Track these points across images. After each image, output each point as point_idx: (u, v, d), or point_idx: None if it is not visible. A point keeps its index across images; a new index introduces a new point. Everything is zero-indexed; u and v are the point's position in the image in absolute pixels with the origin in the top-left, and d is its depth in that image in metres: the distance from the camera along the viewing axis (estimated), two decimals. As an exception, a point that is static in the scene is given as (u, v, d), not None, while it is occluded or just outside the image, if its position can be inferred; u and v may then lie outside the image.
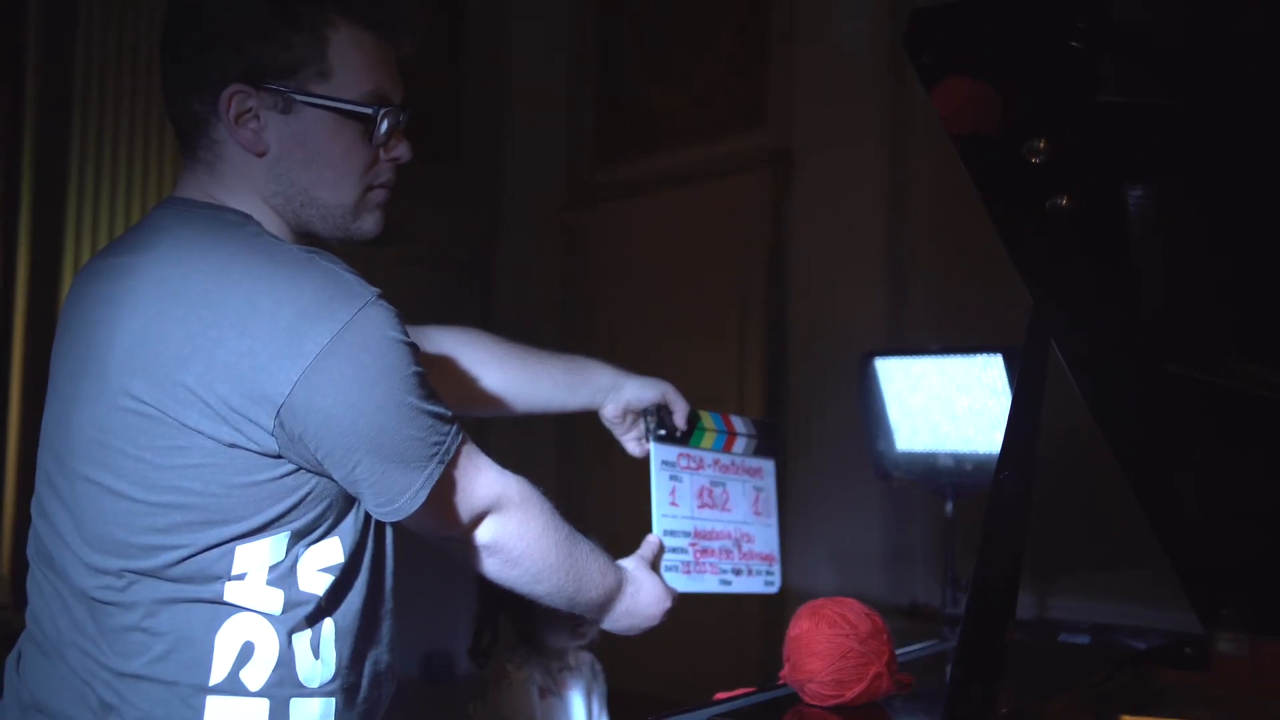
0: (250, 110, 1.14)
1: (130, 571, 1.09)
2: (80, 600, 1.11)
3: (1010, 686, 1.00)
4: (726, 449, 1.65)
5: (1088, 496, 2.44)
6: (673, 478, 1.56)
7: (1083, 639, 1.92)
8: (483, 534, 1.24)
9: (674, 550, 1.52)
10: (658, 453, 1.57)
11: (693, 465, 1.60)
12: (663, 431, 1.57)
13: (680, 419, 1.59)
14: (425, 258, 4.35)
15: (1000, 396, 2.30)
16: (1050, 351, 1.28)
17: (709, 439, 1.62)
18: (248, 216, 1.16)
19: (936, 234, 3.48)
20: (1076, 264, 1.29)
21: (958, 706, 0.97)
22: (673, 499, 1.55)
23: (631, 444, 1.62)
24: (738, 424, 1.67)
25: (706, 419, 1.63)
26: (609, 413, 1.59)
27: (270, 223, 1.17)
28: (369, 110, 1.18)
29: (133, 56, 3.51)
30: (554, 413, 1.60)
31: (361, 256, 1.18)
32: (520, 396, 1.55)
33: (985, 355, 2.33)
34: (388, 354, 1.08)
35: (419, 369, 1.12)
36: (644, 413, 1.58)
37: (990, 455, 2.34)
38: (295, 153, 1.17)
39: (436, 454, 1.14)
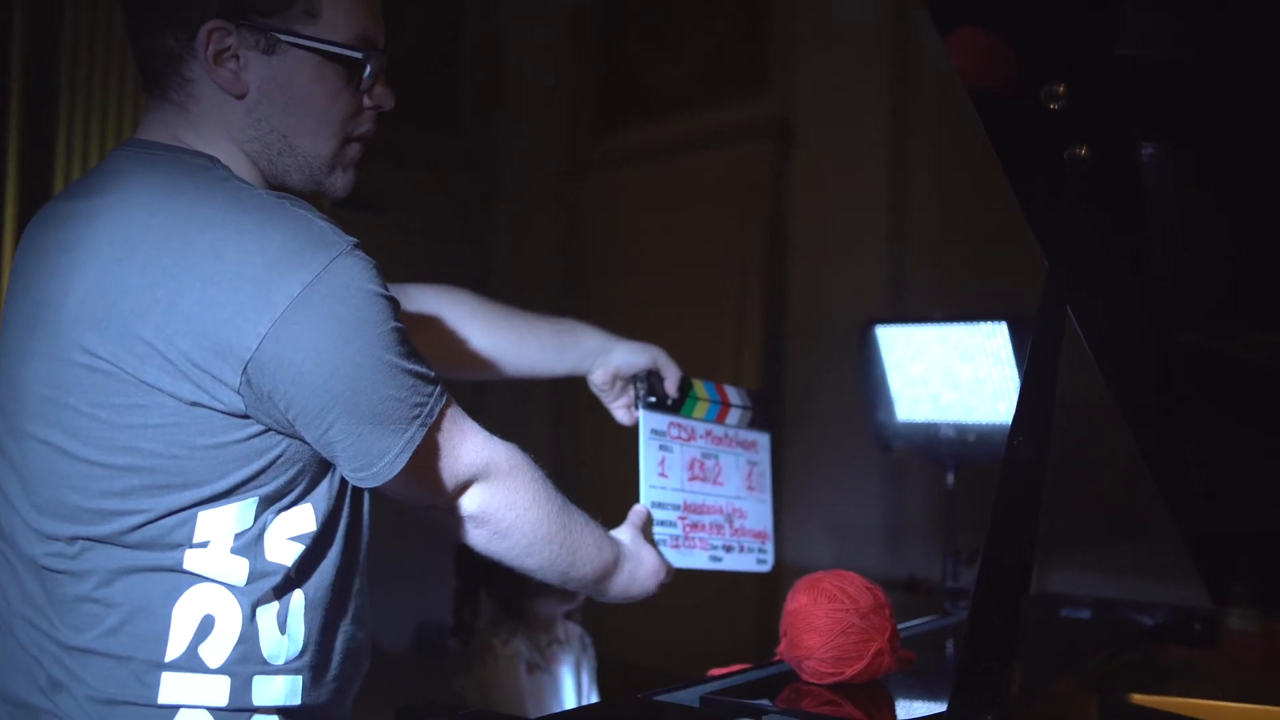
0: (229, 48, 1.07)
1: (83, 538, 1.03)
2: (29, 569, 1.05)
3: (1021, 666, 0.94)
4: (720, 420, 1.58)
5: (1090, 469, 2.40)
6: (662, 447, 1.50)
7: (1084, 614, 1.88)
8: (469, 503, 1.18)
9: (662, 523, 1.47)
10: (647, 421, 1.50)
11: (684, 436, 1.54)
12: (653, 399, 1.51)
13: (671, 386, 1.53)
14: (421, 227, 4.30)
15: (1005, 365, 2.26)
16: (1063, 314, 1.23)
17: (701, 409, 1.56)
18: (214, 159, 1.09)
19: (938, 203, 3.44)
20: (1093, 221, 1.24)
21: (967, 687, 0.92)
22: (662, 469, 1.49)
23: (620, 412, 1.55)
24: (732, 395, 1.60)
25: (699, 388, 1.56)
26: (597, 378, 1.53)
27: (240, 168, 1.10)
28: (358, 55, 1.11)
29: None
30: (540, 377, 1.55)
31: (356, 225, 1.11)
32: (505, 359, 1.49)
33: (990, 323, 2.28)
34: (364, 307, 1.02)
35: (399, 324, 1.05)
36: (634, 379, 1.52)
37: (994, 425, 2.30)
38: (276, 96, 1.10)
39: (418, 416, 1.08)
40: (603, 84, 4.65)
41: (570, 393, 1.62)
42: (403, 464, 1.07)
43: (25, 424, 1.04)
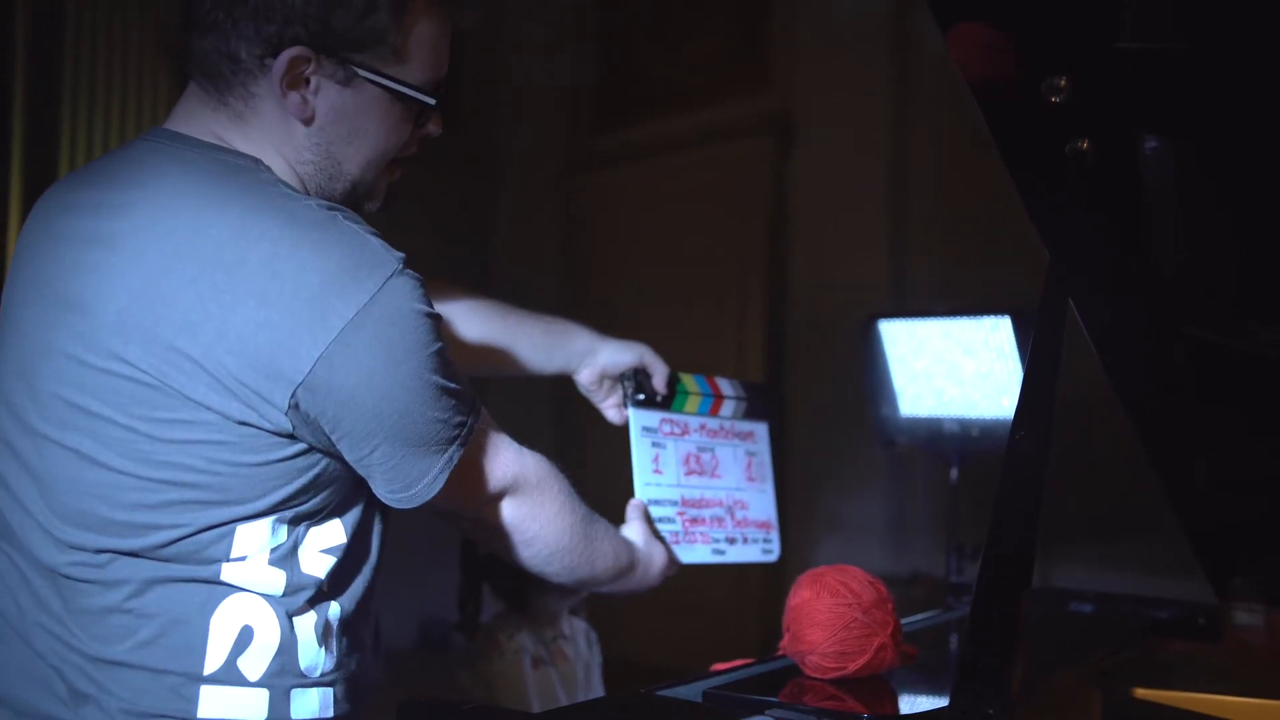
0: (305, 75, 1.04)
1: (110, 551, 1.00)
2: (45, 576, 1.02)
3: (1023, 660, 0.94)
4: (713, 413, 1.58)
5: (1094, 463, 2.39)
6: (655, 444, 1.50)
7: (1087, 608, 1.88)
8: (495, 514, 1.18)
9: (660, 520, 1.47)
10: (637, 419, 1.50)
11: (677, 431, 1.53)
12: (641, 396, 1.51)
13: (660, 382, 1.52)
14: (423, 225, 4.29)
15: (1008, 360, 2.25)
16: (1065, 308, 1.22)
17: (693, 403, 1.56)
18: (257, 160, 1.06)
19: (940, 197, 3.43)
20: (1094, 215, 1.23)
21: (968, 681, 0.92)
22: (656, 466, 1.49)
23: (611, 411, 1.55)
24: (724, 386, 1.60)
25: (689, 382, 1.56)
26: (584, 379, 1.53)
27: (284, 176, 1.07)
28: (431, 101, 1.09)
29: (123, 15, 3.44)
30: (528, 375, 1.55)
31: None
32: (495, 357, 1.49)
33: (992, 317, 2.27)
34: (415, 329, 1.00)
35: (441, 344, 1.04)
36: (621, 378, 1.52)
37: (997, 420, 2.29)
38: (341, 126, 1.07)
39: (457, 436, 1.07)
40: (603, 82, 4.64)
41: (572, 389, 1.62)
42: (440, 485, 1.06)
43: (44, 426, 1.01)
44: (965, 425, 2.35)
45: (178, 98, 1.12)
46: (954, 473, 2.42)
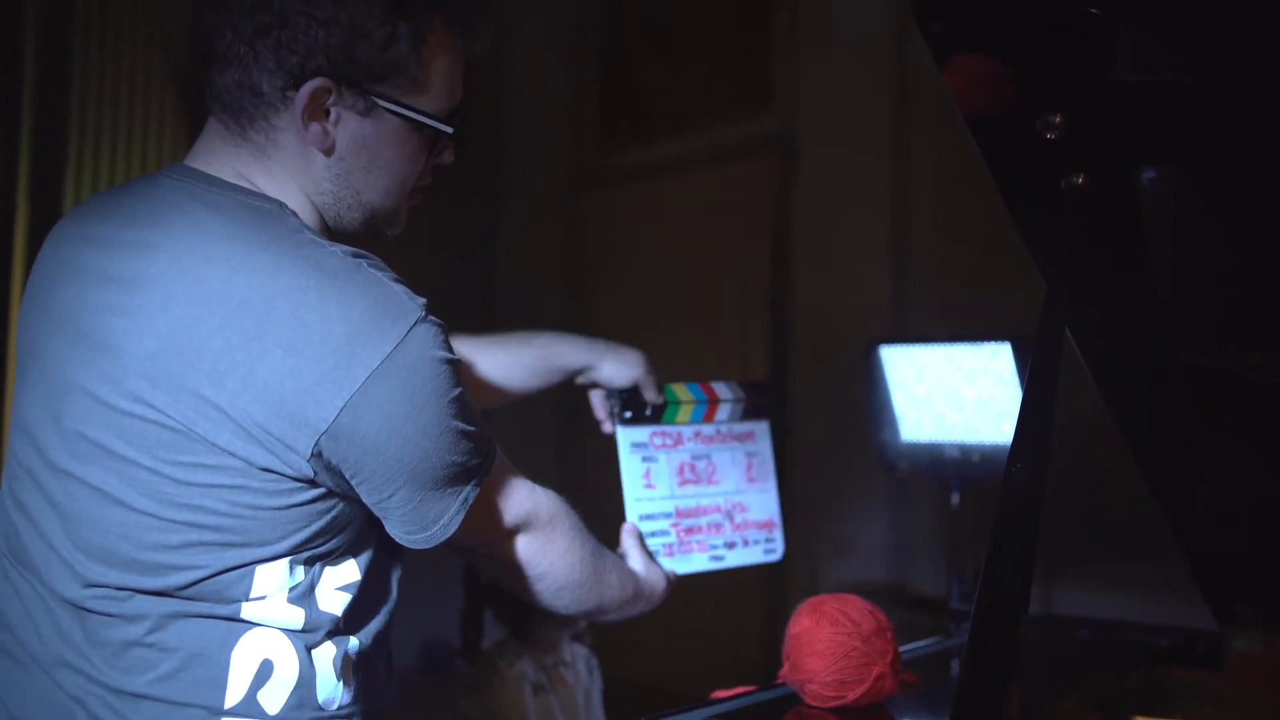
0: (324, 106, 1.05)
1: (131, 589, 1.01)
2: (66, 608, 1.03)
3: (1022, 687, 0.95)
4: (708, 419, 1.57)
5: (1092, 490, 2.39)
6: (646, 459, 1.50)
7: (1087, 635, 1.89)
8: (506, 550, 1.20)
9: (654, 534, 1.47)
10: (626, 435, 1.50)
11: (669, 443, 1.53)
12: (629, 414, 1.51)
13: (649, 397, 1.52)
14: (426, 242, 4.31)
15: (1008, 386, 2.25)
16: (1062, 339, 1.23)
17: (685, 412, 1.55)
18: (281, 205, 1.06)
19: (943, 221, 3.44)
20: (1091, 247, 1.24)
21: (967, 709, 0.93)
22: (647, 481, 1.49)
23: (598, 407, 1.57)
24: (720, 390, 1.59)
25: (680, 391, 1.55)
26: (579, 381, 1.56)
27: (304, 213, 1.09)
28: (449, 130, 1.11)
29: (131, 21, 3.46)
30: (525, 399, 1.56)
31: (361, 241, 1.12)
32: (493, 389, 1.51)
33: (993, 344, 2.27)
34: (437, 376, 1.01)
35: (461, 388, 1.05)
36: (608, 395, 1.52)
37: (997, 446, 2.30)
38: (360, 156, 1.09)
39: (474, 478, 1.08)
40: (607, 100, 4.66)
41: (576, 397, 1.63)
42: (455, 527, 1.08)
43: (68, 463, 1.02)
44: (966, 451, 2.35)
45: (184, 123, 1.13)
46: (955, 498, 2.43)
